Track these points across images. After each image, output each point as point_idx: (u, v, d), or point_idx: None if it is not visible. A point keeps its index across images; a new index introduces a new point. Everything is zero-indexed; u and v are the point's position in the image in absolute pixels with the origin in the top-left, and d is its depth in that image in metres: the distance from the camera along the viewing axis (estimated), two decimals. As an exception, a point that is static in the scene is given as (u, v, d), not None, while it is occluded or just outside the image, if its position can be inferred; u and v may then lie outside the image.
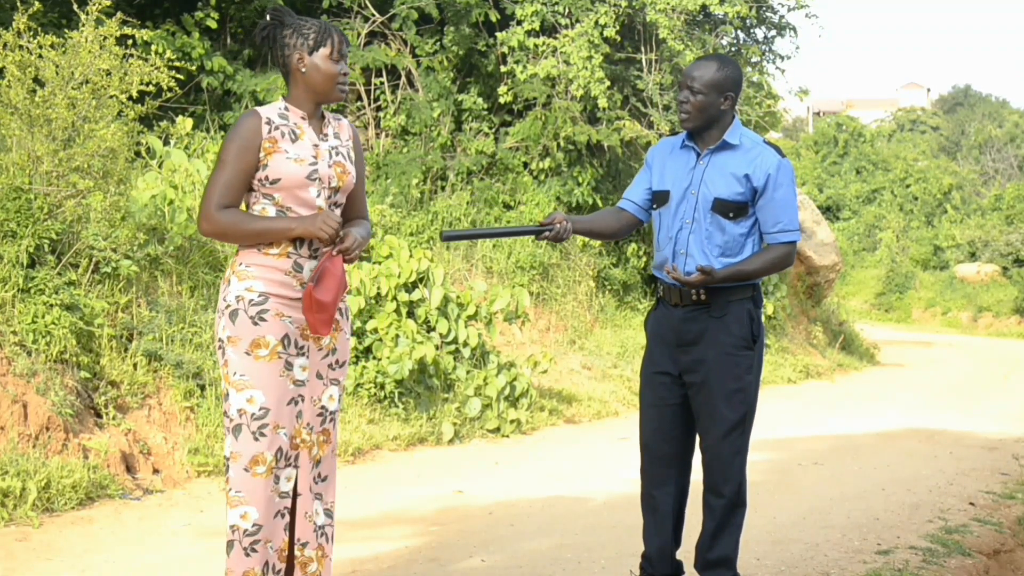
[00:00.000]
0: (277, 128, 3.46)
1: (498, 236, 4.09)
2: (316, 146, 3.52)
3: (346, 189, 3.59)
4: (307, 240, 3.46)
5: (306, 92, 3.50)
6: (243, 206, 3.52)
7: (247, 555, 3.42)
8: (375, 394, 7.82)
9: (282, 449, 3.46)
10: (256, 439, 3.41)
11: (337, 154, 3.56)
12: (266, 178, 3.44)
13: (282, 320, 3.44)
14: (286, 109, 3.50)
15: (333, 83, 3.49)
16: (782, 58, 14.33)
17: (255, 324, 3.41)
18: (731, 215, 3.95)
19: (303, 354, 3.49)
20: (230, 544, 3.43)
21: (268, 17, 3.54)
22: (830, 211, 35.03)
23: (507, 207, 12.38)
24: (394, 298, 8.31)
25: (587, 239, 11.62)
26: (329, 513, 3.59)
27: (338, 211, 3.59)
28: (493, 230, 4.15)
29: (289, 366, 3.46)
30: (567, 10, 12.28)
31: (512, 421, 8.50)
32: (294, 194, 3.45)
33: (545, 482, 6.84)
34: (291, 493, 3.51)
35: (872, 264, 31.89)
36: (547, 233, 4.01)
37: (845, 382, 14.62)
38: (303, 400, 3.50)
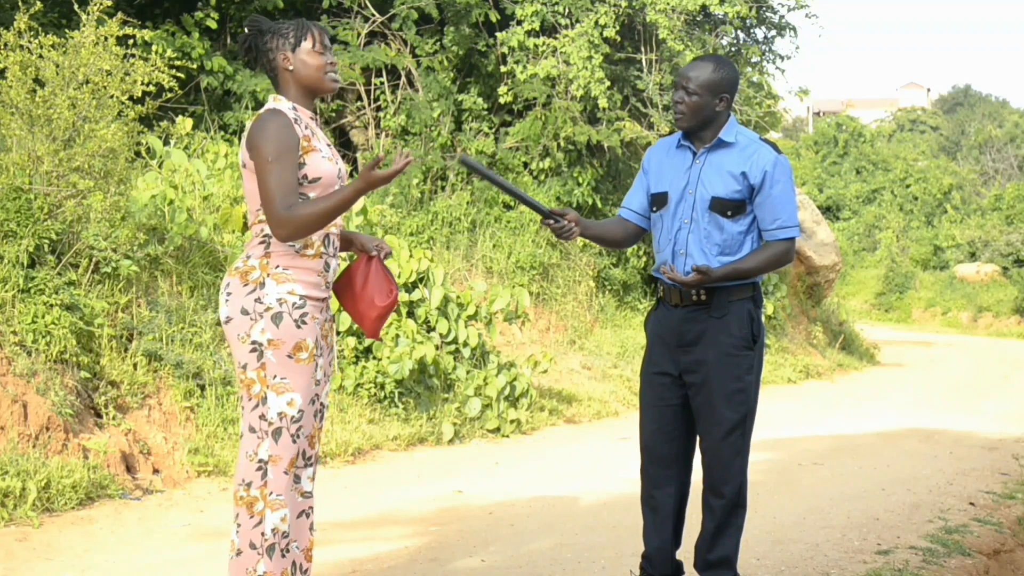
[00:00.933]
0: (306, 127, 3.45)
1: (510, 193, 4.06)
2: (329, 145, 3.56)
3: None
4: (332, 239, 3.48)
5: (299, 89, 3.49)
6: None
7: (283, 556, 3.44)
8: (375, 394, 7.82)
9: (303, 449, 3.49)
10: (294, 441, 3.43)
11: (336, 152, 3.61)
12: (305, 176, 3.40)
13: (315, 323, 3.46)
14: (294, 108, 3.48)
15: (322, 73, 3.49)
16: (782, 58, 14.35)
17: (298, 327, 3.40)
18: (729, 213, 3.94)
19: (322, 355, 3.53)
20: (271, 548, 3.41)
21: (245, 29, 3.55)
22: (830, 211, 35.05)
23: (507, 207, 12.39)
24: (394, 298, 8.31)
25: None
26: None
27: None
28: (508, 185, 4.10)
29: (317, 367, 3.48)
30: (567, 10, 12.28)
31: (512, 421, 8.50)
32: (327, 192, 3.45)
33: (545, 482, 6.85)
34: (312, 492, 3.54)
35: (872, 264, 31.90)
36: (552, 222, 3.95)
37: (845, 382, 14.62)
38: (318, 399, 3.54)
